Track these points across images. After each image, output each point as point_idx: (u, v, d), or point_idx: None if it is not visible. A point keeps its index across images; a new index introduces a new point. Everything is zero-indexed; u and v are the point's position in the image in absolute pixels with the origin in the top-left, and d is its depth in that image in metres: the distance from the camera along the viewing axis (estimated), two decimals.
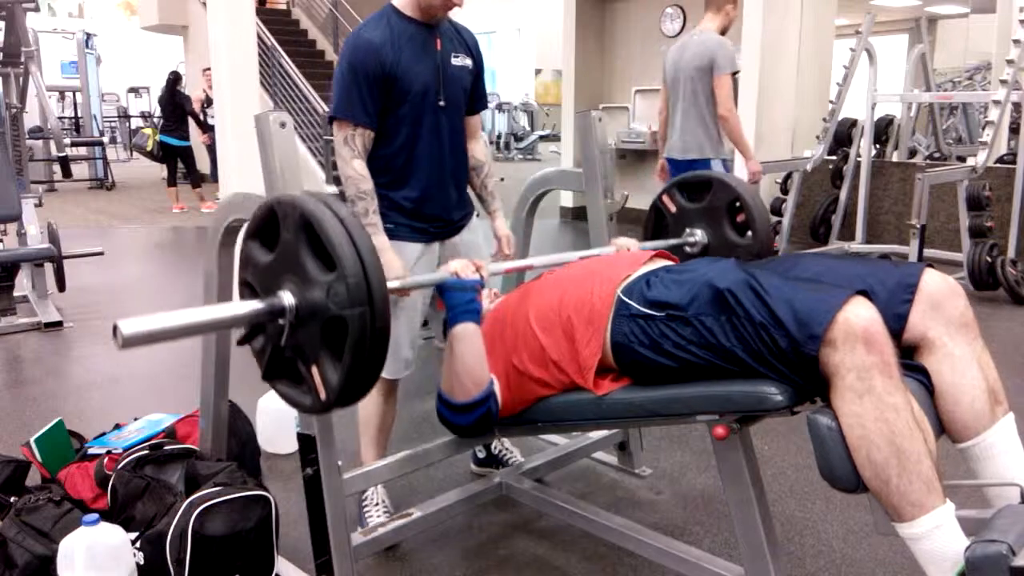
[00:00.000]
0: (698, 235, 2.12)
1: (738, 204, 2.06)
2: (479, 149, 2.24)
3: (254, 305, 1.27)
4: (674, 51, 3.92)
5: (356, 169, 1.94)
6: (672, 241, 2.13)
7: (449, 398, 1.68)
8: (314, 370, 1.25)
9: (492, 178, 2.26)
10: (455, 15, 2.09)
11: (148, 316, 1.16)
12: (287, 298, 1.25)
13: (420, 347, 2.19)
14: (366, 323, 1.19)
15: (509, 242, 2.22)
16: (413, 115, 1.99)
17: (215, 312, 1.29)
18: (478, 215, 2.26)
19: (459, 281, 1.64)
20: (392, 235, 2.01)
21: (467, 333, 1.64)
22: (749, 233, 2.07)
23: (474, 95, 2.16)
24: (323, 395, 1.25)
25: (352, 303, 1.18)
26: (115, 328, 1.12)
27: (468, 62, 2.10)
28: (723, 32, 3.81)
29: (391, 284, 1.31)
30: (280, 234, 1.28)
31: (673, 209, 2.16)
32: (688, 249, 2.15)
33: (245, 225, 1.39)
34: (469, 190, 2.24)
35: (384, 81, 1.94)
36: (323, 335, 1.23)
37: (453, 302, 1.65)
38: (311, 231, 1.22)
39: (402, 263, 1.95)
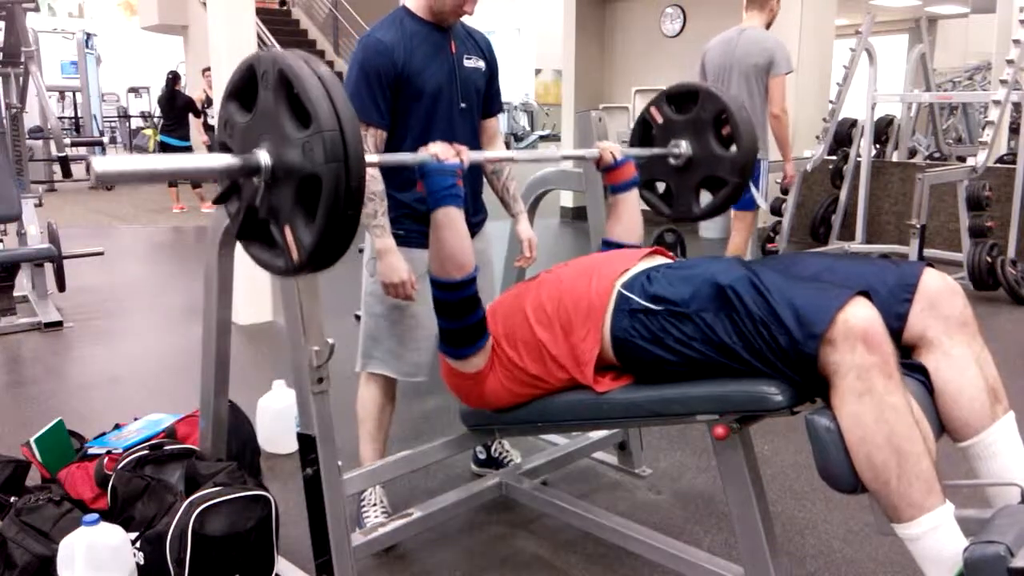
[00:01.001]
0: (683, 146, 2.11)
1: (724, 117, 2.05)
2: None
3: (229, 159, 1.26)
4: (717, 47, 3.88)
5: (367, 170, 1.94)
6: (657, 150, 2.12)
7: (434, 276, 1.68)
8: (287, 231, 1.24)
9: (514, 180, 2.24)
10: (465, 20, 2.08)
11: (124, 156, 1.17)
12: (263, 157, 1.24)
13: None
14: (340, 179, 1.17)
15: (532, 244, 2.21)
16: (426, 117, 1.99)
17: (190, 161, 1.29)
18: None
19: (439, 165, 1.62)
20: (403, 242, 2.00)
21: (449, 217, 1.62)
22: (733, 147, 2.06)
23: (489, 97, 2.16)
24: (296, 256, 1.24)
25: (327, 159, 1.16)
26: (88, 164, 1.12)
27: (481, 64, 2.10)
28: (767, 27, 3.82)
29: (369, 159, 1.30)
30: (258, 93, 1.26)
31: (660, 120, 2.15)
32: (672, 161, 2.13)
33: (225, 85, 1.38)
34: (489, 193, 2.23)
35: (396, 81, 1.93)
36: (297, 194, 1.22)
37: (434, 186, 1.62)
38: (290, 88, 1.21)
39: (407, 267, 1.95)
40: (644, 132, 2.20)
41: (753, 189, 3.83)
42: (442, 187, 1.62)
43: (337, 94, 1.19)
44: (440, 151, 1.62)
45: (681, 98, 2.14)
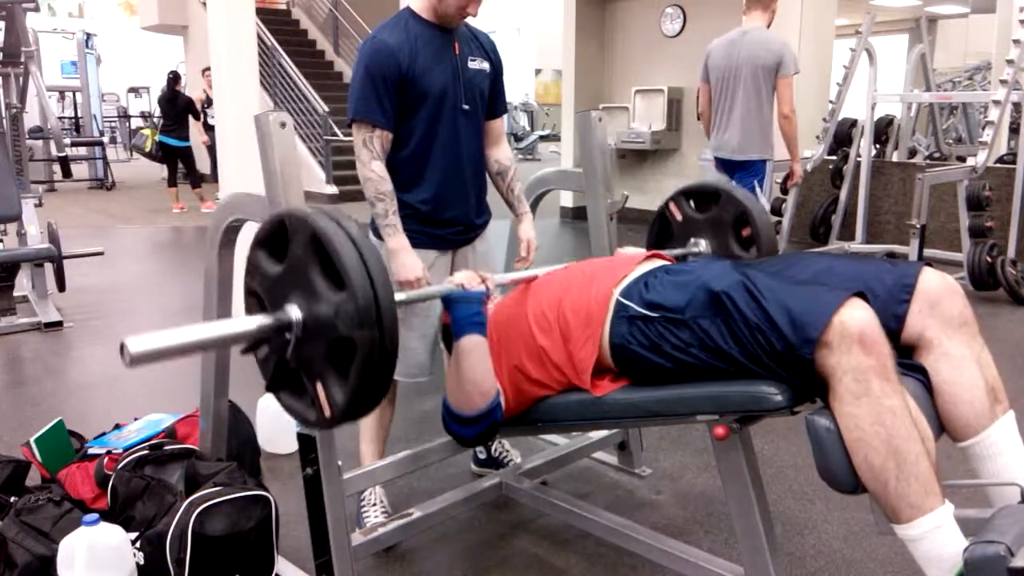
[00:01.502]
0: (702, 246, 2.11)
1: (744, 218, 2.05)
2: (504, 153, 2.22)
3: (261, 320, 1.26)
4: (721, 48, 3.89)
5: (375, 171, 1.94)
6: (676, 251, 2.12)
7: (456, 411, 1.67)
8: (319, 386, 1.24)
9: (519, 182, 2.24)
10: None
11: (155, 333, 1.14)
12: (294, 313, 1.24)
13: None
14: (374, 345, 1.17)
15: (531, 246, 2.21)
16: (430, 118, 1.99)
17: (222, 328, 1.28)
18: None
19: (465, 293, 1.63)
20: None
21: (473, 346, 1.62)
22: (754, 248, 2.05)
23: (493, 98, 2.15)
24: (328, 412, 1.24)
25: (361, 324, 1.16)
26: (122, 347, 1.10)
27: (485, 65, 2.10)
28: (768, 27, 3.84)
29: (397, 297, 1.31)
30: (289, 247, 1.26)
31: (679, 217, 2.15)
32: (692, 260, 2.13)
33: (253, 230, 1.37)
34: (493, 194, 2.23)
35: (401, 83, 1.93)
36: (329, 353, 1.22)
37: (459, 315, 1.63)
38: (321, 249, 1.21)
39: (421, 264, 1.95)
40: (663, 228, 2.19)
41: (758, 190, 3.83)
42: (467, 315, 1.63)
43: (370, 256, 1.19)
44: (465, 280, 1.64)
45: (701, 196, 2.14)
